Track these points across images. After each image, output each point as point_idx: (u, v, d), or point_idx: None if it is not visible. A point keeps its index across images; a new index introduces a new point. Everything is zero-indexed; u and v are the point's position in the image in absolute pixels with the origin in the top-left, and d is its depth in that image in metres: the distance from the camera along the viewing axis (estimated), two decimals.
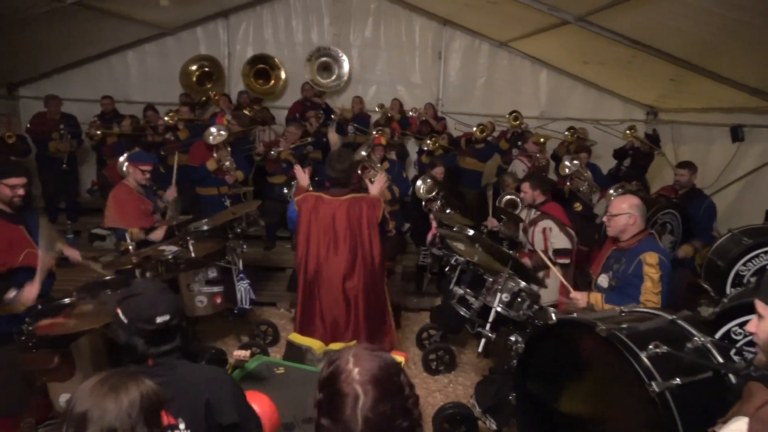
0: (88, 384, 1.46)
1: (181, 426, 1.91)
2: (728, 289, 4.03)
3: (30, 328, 3.08)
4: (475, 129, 7.61)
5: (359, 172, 5.85)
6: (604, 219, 3.49)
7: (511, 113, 7.74)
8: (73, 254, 3.84)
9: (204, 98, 8.55)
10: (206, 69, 8.66)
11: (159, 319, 1.96)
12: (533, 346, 2.69)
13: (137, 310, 1.98)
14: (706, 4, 4.36)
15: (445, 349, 4.84)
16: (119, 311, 2.00)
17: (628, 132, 7.14)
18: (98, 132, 7.24)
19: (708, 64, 5.63)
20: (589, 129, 8.06)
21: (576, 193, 6.26)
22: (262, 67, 8.79)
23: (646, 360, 2.03)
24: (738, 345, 3.15)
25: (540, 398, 2.66)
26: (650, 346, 2.05)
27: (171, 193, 5.15)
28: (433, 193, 5.89)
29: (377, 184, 4.13)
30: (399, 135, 8.16)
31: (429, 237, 5.33)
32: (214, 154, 5.84)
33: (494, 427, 3.37)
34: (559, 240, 4.42)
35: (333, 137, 8.18)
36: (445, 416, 3.68)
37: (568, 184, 6.34)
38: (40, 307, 3.27)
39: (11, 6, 5.64)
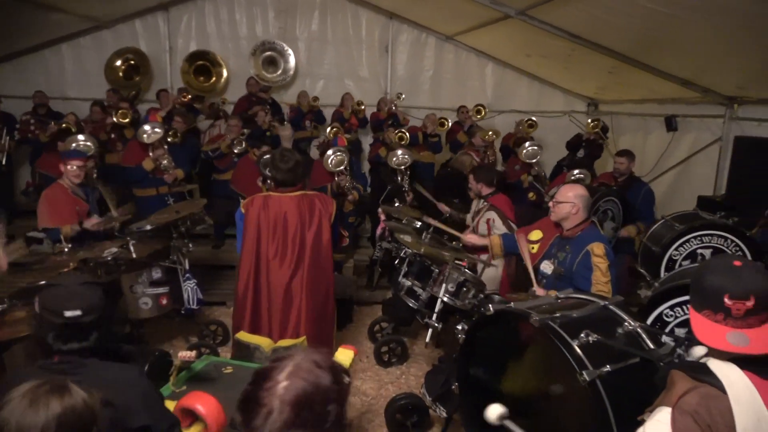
0: (17, 391, 1.39)
1: None
2: (662, 273, 4.24)
3: None
4: (428, 120, 7.65)
5: (335, 178, 5.79)
6: (550, 204, 3.58)
7: (474, 106, 7.92)
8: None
9: (134, 92, 8.26)
10: (132, 62, 8.32)
11: (68, 313, 1.89)
12: (476, 335, 2.76)
13: (50, 301, 1.92)
14: None
15: (396, 341, 4.88)
16: (36, 300, 1.95)
17: (590, 124, 7.36)
18: (31, 126, 6.86)
19: (643, 57, 5.87)
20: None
21: (533, 182, 6.44)
22: (202, 63, 8.55)
23: (577, 349, 2.10)
24: (669, 327, 3.33)
25: (485, 384, 2.74)
26: (581, 335, 2.12)
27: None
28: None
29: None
30: (355, 129, 8.15)
31: (378, 231, 5.35)
32: (151, 154, 5.64)
33: (444, 414, 3.43)
34: (501, 231, 4.52)
35: (285, 132, 8.08)
36: (397, 407, 3.72)
37: (527, 174, 6.53)
38: None
39: None
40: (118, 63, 8.24)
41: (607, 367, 2.04)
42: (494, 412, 1.87)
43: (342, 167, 5.78)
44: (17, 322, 3.13)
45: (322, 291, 3.82)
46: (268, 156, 5.32)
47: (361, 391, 4.35)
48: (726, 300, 1.51)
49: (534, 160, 6.41)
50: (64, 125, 6.65)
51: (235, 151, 6.50)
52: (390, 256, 5.55)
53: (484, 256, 4.10)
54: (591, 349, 2.10)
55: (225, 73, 8.64)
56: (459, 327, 3.38)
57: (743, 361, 1.52)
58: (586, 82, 8.26)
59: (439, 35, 8.82)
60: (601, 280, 3.19)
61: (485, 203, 4.72)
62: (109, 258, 3.83)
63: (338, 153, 5.77)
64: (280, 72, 8.77)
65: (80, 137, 5.67)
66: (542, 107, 8.65)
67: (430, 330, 3.52)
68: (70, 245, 3.85)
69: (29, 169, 7.86)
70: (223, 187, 6.55)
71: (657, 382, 1.75)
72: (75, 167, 4.35)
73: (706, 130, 6.12)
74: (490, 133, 7.34)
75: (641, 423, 1.61)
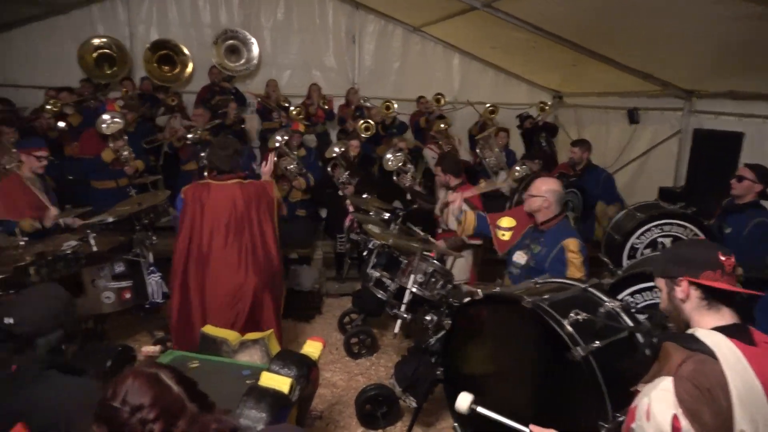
0: None
1: None
2: (624, 262, 4.35)
3: None
4: (379, 104, 7.67)
5: (275, 158, 5.72)
6: (524, 196, 3.61)
7: (434, 96, 7.96)
8: None
9: (105, 83, 8.00)
10: (107, 51, 8.05)
11: (6, 320, 1.88)
12: (456, 321, 2.81)
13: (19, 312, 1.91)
14: None
15: (366, 332, 4.88)
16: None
17: (540, 105, 7.53)
18: None
19: (604, 51, 5.99)
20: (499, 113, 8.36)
21: (480, 169, 6.53)
22: (165, 52, 8.32)
23: (569, 326, 2.21)
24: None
25: (463, 372, 2.80)
26: (571, 314, 2.23)
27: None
28: (345, 168, 5.92)
29: (268, 166, 4.04)
30: (322, 122, 8.08)
31: (347, 222, 5.33)
32: (111, 144, 5.46)
33: (414, 404, 3.45)
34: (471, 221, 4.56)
35: (252, 124, 7.97)
36: (367, 398, 3.73)
37: (478, 159, 6.64)
38: None
39: None
40: (92, 51, 7.97)
41: (597, 343, 2.16)
42: (464, 401, 1.90)
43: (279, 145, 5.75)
44: None
45: (264, 279, 3.75)
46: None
47: (331, 382, 4.34)
48: (720, 257, 1.73)
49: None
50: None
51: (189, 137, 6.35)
52: (359, 248, 5.56)
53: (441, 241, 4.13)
54: (580, 327, 2.22)
55: (190, 64, 8.40)
56: (428, 318, 3.41)
57: (725, 330, 1.67)
58: (550, 74, 8.40)
59: (406, 26, 8.81)
60: (576, 275, 3.26)
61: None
62: (68, 251, 3.69)
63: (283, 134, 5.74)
64: (243, 61, 8.59)
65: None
66: (507, 99, 8.71)
67: (399, 321, 3.53)
68: (26, 239, 3.69)
69: None
70: (187, 178, 6.40)
71: (639, 357, 1.98)
72: (39, 157, 4.18)
73: (665, 122, 6.30)
74: (442, 126, 7.41)
75: (633, 394, 1.74)
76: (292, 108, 7.44)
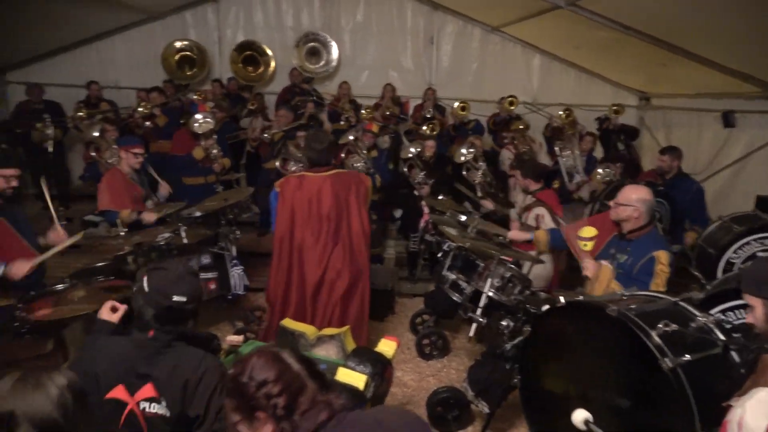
0: (4, 385, 1.42)
1: (162, 402, 1.99)
2: (719, 276, 4.08)
3: (23, 314, 3.07)
4: (455, 105, 7.62)
5: (343, 155, 5.84)
6: (611, 203, 3.46)
7: (506, 98, 7.79)
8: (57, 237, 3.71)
9: (185, 83, 8.46)
10: (187, 53, 8.55)
11: (175, 298, 2.04)
12: (536, 328, 2.76)
13: (160, 282, 2.07)
14: None
15: (438, 334, 4.87)
16: (144, 278, 2.09)
17: (619, 109, 7.25)
18: (80, 114, 7.14)
19: (698, 49, 5.66)
20: (579, 115, 8.09)
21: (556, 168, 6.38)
22: (250, 53, 8.69)
23: (656, 338, 2.12)
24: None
25: (541, 380, 2.74)
26: (659, 325, 2.14)
27: (165, 188, 5.06)
28: (422, 169, 5.93)
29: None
30: (394, 122, 8.15)
31: (422, 223, 5.35)
32: (202, 143, 5.78)
33: (486, 410, 3.41)
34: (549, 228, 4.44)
35: (326, 123, 8.17)
36: (438, 400, 3.73)
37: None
38: (33, 293, 3.26)
39: None
40: (175, 53, 8.48)
41: (687, 357, 2.06)
42: (579, 416, 1.86)
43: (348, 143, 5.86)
44: (77, 301, 3.26)
45: (356, 272, 3.78)
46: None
47: (402, 382, 4.37)
48: None
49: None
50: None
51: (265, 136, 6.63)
52: (431, 249, 5.56)
53: (532, 252, 4.04)
54: (670, 339, 2.13)
55: (272, 64, 8.74)
56: (504, 323, 3.36)
57: None
58: (636, 74, 8.02)
59: (484, 26, 8.70)
60: (659, 289, 3.10)
61: (532, 199, 4.65)
62: (162, 243, 3.96)
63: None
64: (322, 63, 8.83)
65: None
66: (590, 100, 8.42)
67: (474, 325, 3.50)
68: (126, 229, 3.99)
69: (82, 155, 8.19)
70: (268, 175, 6.65)
71: (733, 374, 1.88)
72: (136, 154, 4.50)
73: (766, 127, 5.85)
74: (520, 126, 7.27)
75: (725, 411, 1.67)
76: (362, 110, 7.54)
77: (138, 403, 1.99)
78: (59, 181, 7.65)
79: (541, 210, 4.54)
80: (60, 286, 3.36)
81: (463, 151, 6.15)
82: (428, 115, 7.87)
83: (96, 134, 6.16)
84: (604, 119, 7.67)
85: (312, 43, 8.74)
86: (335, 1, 8.74)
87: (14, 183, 3.29)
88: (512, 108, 7.78)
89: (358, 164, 6.10)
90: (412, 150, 6.21)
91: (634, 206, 3.24)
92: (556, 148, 6.77)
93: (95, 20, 7.87)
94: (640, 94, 8.57)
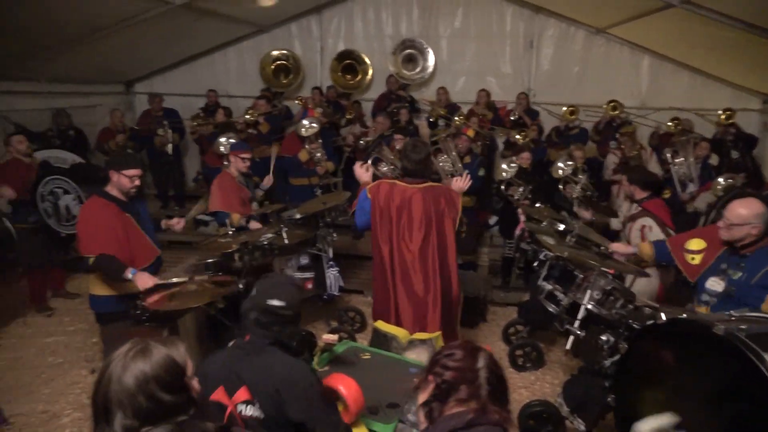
0: (120, 350, 1.47)
1: (256, 404, 2.08)
2: None
3: (143, 303, 3.38)
4: (564, 110, 7.38)
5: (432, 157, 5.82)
6: (720, 224, 3.18)
7: (609, 102, 7.43)
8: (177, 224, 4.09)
9: (280, 91, 8.86)
10: (283, 62, 8.97)
11: (272, 302, 2.18)
12: (633, 346, 2.61)
13: (263, 286, 2.24)
14: None
15: (532, 345, 4.74)
16: (256, 285, 2.27)
17: (722, 115, 6.65)
18: (195, 123, 7.73)
19: None
20: (694, 120, 7.54)
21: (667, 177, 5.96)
22: (349, 62, 8.97)
23: None
24: None
25: (637, 402, 2.59)
26: None
27: (268, 180, 5.42)
28: (521, 185, 5.78)
29: (460, 183, 3.95)
30: (488, 127, 8.04)
31: (517, 231, 5.22)
32: (306, 146, 6.08)
33: (582, 428, 3.27)
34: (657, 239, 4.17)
35: (424, 129, 8.22)
36: (531, 413, 3.63)
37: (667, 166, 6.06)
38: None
39: (128, 11, 6.16)
40: (271, 63, 8.96)
41: None
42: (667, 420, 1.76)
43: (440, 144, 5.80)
44: (189, 294, 3.53)
45: (446, 279, 3.76)
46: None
47: None
48: None
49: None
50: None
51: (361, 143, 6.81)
52: (527, 258, 5.41)
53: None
54: None
55: (370, 71, 8.96)
56: (603, 338, 3.20)
57: None
58: (760, 75, 7.31)
59: (588, 28, 8.35)
60: None
61: (638, 208, 4.39)
62: (265, 242, 4.19)
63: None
64: (418, 69, 8.89)
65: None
66: (705, 104, 7.80)
67: (571, 337, 3.37)
68: (234, 229, 4.27)
69: (197, 160, 8.87)
70: None
71: None
72: (244, 159, 4.81)
73: None
74: (630, 130, 6.90)
75: None
76: (456, 117, 7.50)
77: (236, 406, 2.08)
78: (176, 183, 8.34)
79: (647, 220, 4.27)
80: (175, 279, 3.66)
81: (561, 164, 5.91)
82: (512, 118, 7.70)
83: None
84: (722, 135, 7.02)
85: (409, 50, 8.85)
86: (434, 8, 8.78)
87: (137, 182, 3.64)
88: (615, 113, 7.41)
89: (446, 165, 6.07)
90: (506, 168, 6.02)
91: (752, 224, 2.95)
92: (668, 155, 6.33)
93: (212, 34, 8.51)
94: (763, 96, 7.81)
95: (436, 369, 1.53)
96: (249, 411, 2.09)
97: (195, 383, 1.56)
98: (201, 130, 7.80)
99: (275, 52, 8.95)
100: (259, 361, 2.12)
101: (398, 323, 3.76)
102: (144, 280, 3.44)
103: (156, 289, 3.51)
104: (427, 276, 3.72)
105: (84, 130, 7.64)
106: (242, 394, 2.10)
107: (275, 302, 2.19)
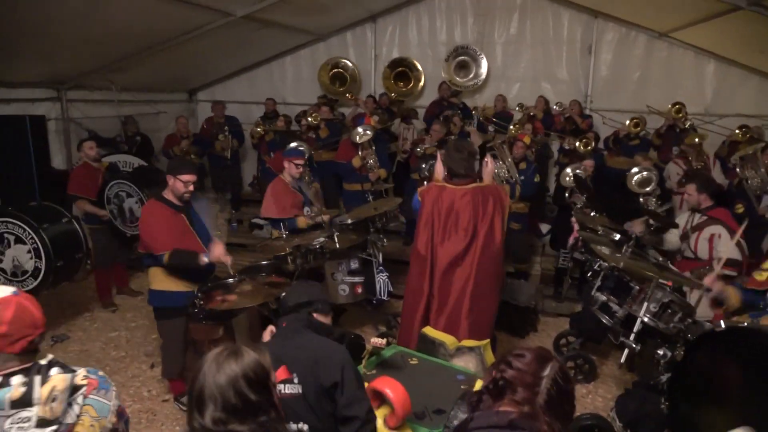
0: (214, 351, 1.61)
1: (295, 380, 2.24)
2: None
3: (200, 302, 3.52)
4: (627, 122, 7.16)
5: (486, 161, 5.76)
6: None
7: (673, 105, 7.20)
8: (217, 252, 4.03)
9: (336, 99, 9.00)
10: (339, 70, 9.14)
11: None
12: (689, 358, 2.51)
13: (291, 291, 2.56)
14: None
15: (584, 357, 4.63)
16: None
17: None
18: (258, 129, 7.99)
19: None
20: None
21: (743, 189, 5.60)
22: (402, 69, 9.03)
23: None
24: None
25: (695, 419, 2.48)
26: None
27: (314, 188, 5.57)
28: (584, 193, 5.65)
29: (489, 166, 3.95)
30: (542, 134, 7.91)
31: (571, 240, 5.11)
32: (360, 152, 6.18)
33: None
34: (729, 249, 3.97)
35: (475, 136, 8.17)
36: (582, 426, 3.53)
37: (737, 177, 5.72)
38: (209, 284, 3.73)
39: (194, 23, 6.46)
40: (328, 71, 9.16)
41: None
42: None
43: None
44: (244, 294, 3.66)
45: (485, 288, 3.72)
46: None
47: None
48: None
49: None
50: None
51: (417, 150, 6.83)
52: (581, 268, 5.28)
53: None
54: None
55: (422, 78, 9.00)
56: (660, 352, 3.10)
57: None
58: None
59: (650, 32, 8.07)
60: None
61: (704, 217, 4.20)
62: (317, 246, 4.29)
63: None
64: (471, 76, 8.83)
65: (296, 143, 6.44)
66: None
67: (626, 351, 3.27)
68: (287, 232, 4.39)
69: (253, 165, 9.15)
70: (414, 185, 6.83)
71: None
72: (297, 165, 4.94)
73: None
74: (696, 140, 6.52)
75: None
76: (511, 126, 7.42)
77: (275, 386, 2.20)
78: (234, 187, 8.63)
79: (716, 229, 4.08)
80: (230, 280, 3.80)
81: (638, 176, 5.73)
82: (559, 128, 7.54)
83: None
84: None
85: (461, 57, 8.81)
86: (489, 15, 8.70)
87: (191, 188, 3.79)
88: (679, 116, 7.12)
89: (501, 171, 6.01)
90: (570, 174, 5.85)
91: None
92: (737, 168, 5.99)
93: (271, 44, 8.77)
94: None
95: (501, 366, 1.51)
96: (288, 389, 2.25)
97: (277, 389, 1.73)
98: (265, 134, 8.04)
99: (334, 60, 9.14)
100: (296, 340, 2.35)
101: (434, 326, 3.76)
102: (218, 250, 3.65)
103: (214, 288, 3.66)
104: (473, 279, 3.70)
105: (150, 136, 8.04)
106: (281, 373, 2.24)
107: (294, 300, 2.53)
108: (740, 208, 5.51)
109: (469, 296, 3.72)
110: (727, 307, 3.30)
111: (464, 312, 3.72)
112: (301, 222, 4.70)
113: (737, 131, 6.71)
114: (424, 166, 6.15)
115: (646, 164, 6.11)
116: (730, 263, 3.94)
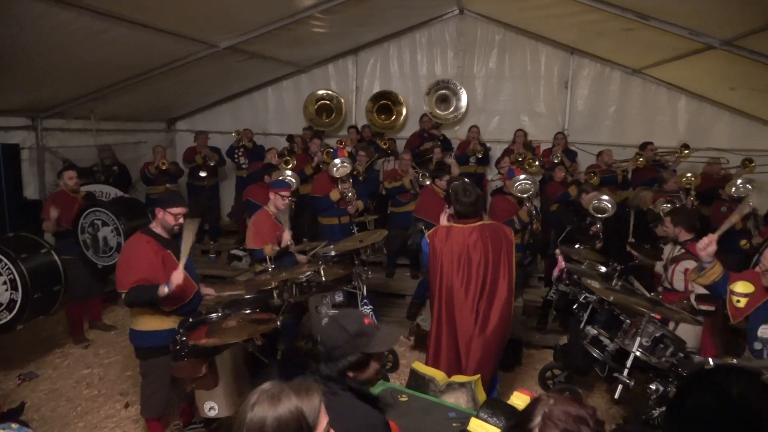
0: (266, 384, 1.47)
1: None
2: None
3: (183, 338, 3.39)
4: (640, 160, 7.34)
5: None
6: (758, 269, 3.08)
7: (681, 146, 7.47)
8: (209, 292, 4.09)
9: (322, 130, 9.03)
10: (326, 102, 9.21)
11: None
12: (682, 395, 2.49)
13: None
14: None
15: (570, 390, 4.57)
16: None
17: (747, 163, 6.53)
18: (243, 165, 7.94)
19: None
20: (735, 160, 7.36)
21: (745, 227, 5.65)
22: (384, 102, 9.13)
23: None
24: None
25: None
26: None
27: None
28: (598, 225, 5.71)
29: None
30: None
31: (555, 272, 5.12)
32: (339, 186, 6.12)
33: None
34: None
35: (455, 168, 8.23)
36: None
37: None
38: (191, 320, 3.60)
39: (177, 53, 6.43)
40: (314, 103, 9.21)
41: None
42: None
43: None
44: (228, 330, 3.52)
45: (504, 324, 3.73)
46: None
47: None
48: None
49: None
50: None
51: (417, 189, 6.81)
52: (566, 300, 5.28)
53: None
54: None
55: (404, 112, 9.09)
56: (653, 387, 3.08)
57: None
58: None
59: (624, 69, 8.35)
60: None
61: (682, 250, 4.27)
62: (303, 280, 4.20)
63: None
64: (452, 109, 8.98)
65: (288, 173, 6.38)
66: (747, 145, 7.65)
67: (620, 386, 3.24)
68: (273, 265, 4.30)
69: (232, 195, 9.03)
70: (402, 218, 6.81)
71: None
72: (284, 197, 4.88)
73: None
74: (689, 175, 6.64)
75: None
76: (503, 161, 7.52)
77: None
78: (211, 217, 8.48)
79: (690, 263, 4.14)
80: (214, 316, 3.67)
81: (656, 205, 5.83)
82: (556, 161, 7.65)
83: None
84: None
85: (442, 91, 8.95)
86: (468, 50, 8.90)
87: (180, 221, 3.69)
88: (686, 153, 7.35)
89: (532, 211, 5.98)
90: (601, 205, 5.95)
91: None
92: (724, 208, 6.04)
93: (253, 74, 8.78)
94: None
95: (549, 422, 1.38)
96: None
97: None
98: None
99: (320, 92, 9.19)
100: (335, 404, 1.92)
101: (448, 368, 3.71)
102: (177, 278, 3.42)
103: (196, 324, 3.53)
104: (484, 320, 3.69)
105: (128, 165, 7.90)
106: None
107: (319, 338, 2.18)
108: (746, 245, 5.57)
109: (492, 335, 3.72)
110: (705, 275, 3.29)
111: (483, 350, 3.71)
112: (268, 250, 4.60)
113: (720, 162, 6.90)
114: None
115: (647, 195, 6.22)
116: (704, 298, 3.99)
